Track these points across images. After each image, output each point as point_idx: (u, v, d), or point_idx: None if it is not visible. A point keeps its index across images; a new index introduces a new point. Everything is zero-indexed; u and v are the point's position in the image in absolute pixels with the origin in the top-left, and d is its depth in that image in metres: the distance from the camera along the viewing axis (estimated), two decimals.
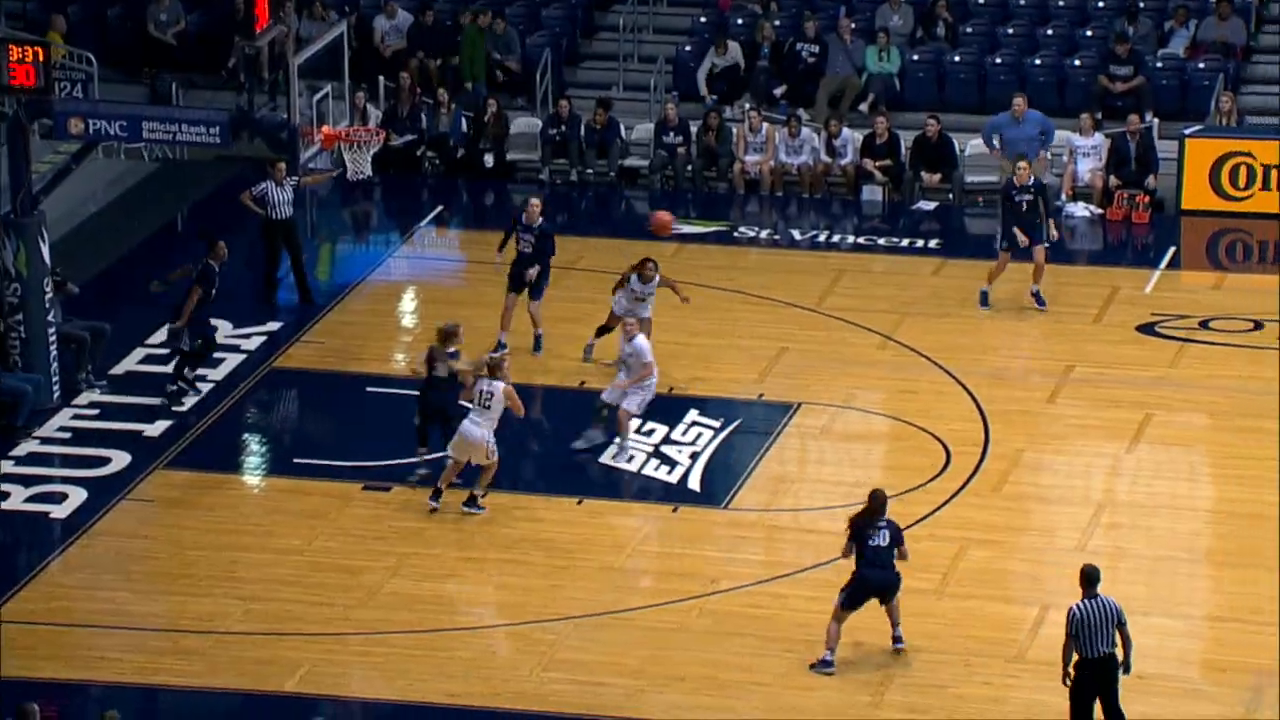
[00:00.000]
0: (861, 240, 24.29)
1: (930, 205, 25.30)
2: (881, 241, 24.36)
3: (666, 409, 19.87)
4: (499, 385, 17.85)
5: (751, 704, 15.44)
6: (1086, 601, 14.21)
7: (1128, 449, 19.03)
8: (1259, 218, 23.94)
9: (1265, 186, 24.25)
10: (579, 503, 18.41)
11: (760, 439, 19.46)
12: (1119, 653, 14.19)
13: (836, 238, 24.40)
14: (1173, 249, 23.72)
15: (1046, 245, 21.72)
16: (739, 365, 20.84)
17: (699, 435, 19.56)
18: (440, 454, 18.34)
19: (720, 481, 18.77)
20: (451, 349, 18.64)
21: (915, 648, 16.01)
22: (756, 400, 20.17)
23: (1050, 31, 26.89)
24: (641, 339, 19.22)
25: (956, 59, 26.67)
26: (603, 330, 20.60)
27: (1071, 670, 14.28)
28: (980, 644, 15.96)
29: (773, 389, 20.39)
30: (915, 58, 26.74)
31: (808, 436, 19.57)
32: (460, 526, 17.96)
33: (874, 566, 15.58)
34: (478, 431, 17.82)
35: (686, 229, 24.51)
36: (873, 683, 15.59)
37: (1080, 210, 24.78)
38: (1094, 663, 14.10)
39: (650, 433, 19.52)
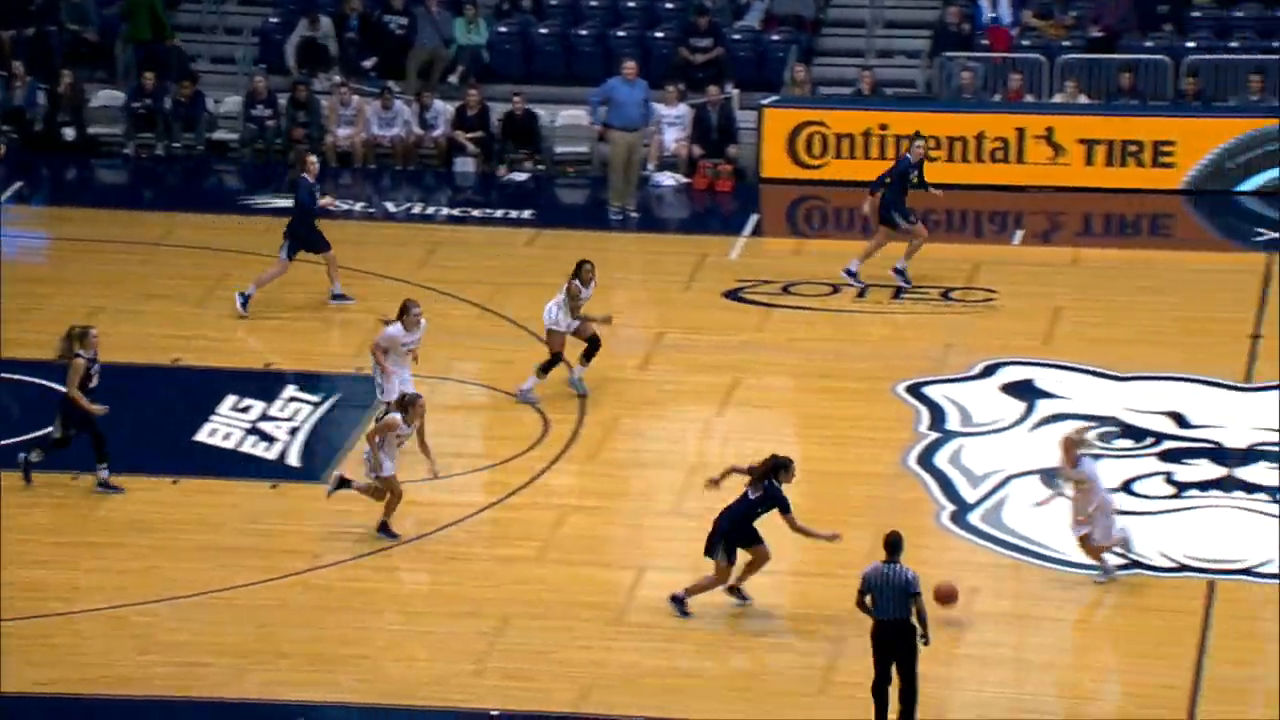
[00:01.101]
0: (455, 212, 24.42)
1: (522, 176, 25.56)
2: (475, 213, 24.53)
3: (264, 385, 19.69)
4: None
5: (355, 677, 15.44)
6: (881, 565, 14.39)
7: (718, 412, 19.57)
8: (833, 185, 24.87)
9: (839, 155, 25.18)
10: (174, 482, 18.12)
11: (360, 413, 19.43)
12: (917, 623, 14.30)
13: (431, 210, 24.47)
14: (755, 216, 24.46)
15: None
16: (337, 340, 20.77)
17: (298, 411, 19.44)
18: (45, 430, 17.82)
19: (320, 456, 18.70)
20: (87, 352, 17.74)
21: (516, 614, 16.23)
22: (355, 374, 20.13)
23: (633, 4, 27.41)
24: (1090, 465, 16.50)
25: (543, 31, 26.98)
26: (551, 364, 19.17)
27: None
28: (581, 608, 16.26)
29: (371, 363, 20.36)
30: (503, 29, 26.96)
31: None
32: (52, 510, 17.51)
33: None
34: None
35: (278, 203, 24.29)
36: (475, 651, 15.75)
37: (667, 179, 25.35)
38: (883, 625, 14.33)
39: (247, 409, 19.32)
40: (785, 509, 15.84)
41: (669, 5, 27.31)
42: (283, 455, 18.72)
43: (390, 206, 24.66)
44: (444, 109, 25.83)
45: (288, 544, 17.22)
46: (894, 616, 14.32)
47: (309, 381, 19.92)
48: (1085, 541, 16.36)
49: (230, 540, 17.30)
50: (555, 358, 19.28)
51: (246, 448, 18.83)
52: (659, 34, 26.86)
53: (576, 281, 19.16)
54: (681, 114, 25.55)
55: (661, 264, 22.95)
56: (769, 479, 15.87)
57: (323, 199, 21.38)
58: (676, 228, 24.70)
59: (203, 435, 18.84)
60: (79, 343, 17.65)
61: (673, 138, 25.50)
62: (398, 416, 16.93)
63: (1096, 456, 17.09)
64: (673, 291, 22.20)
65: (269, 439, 18.96)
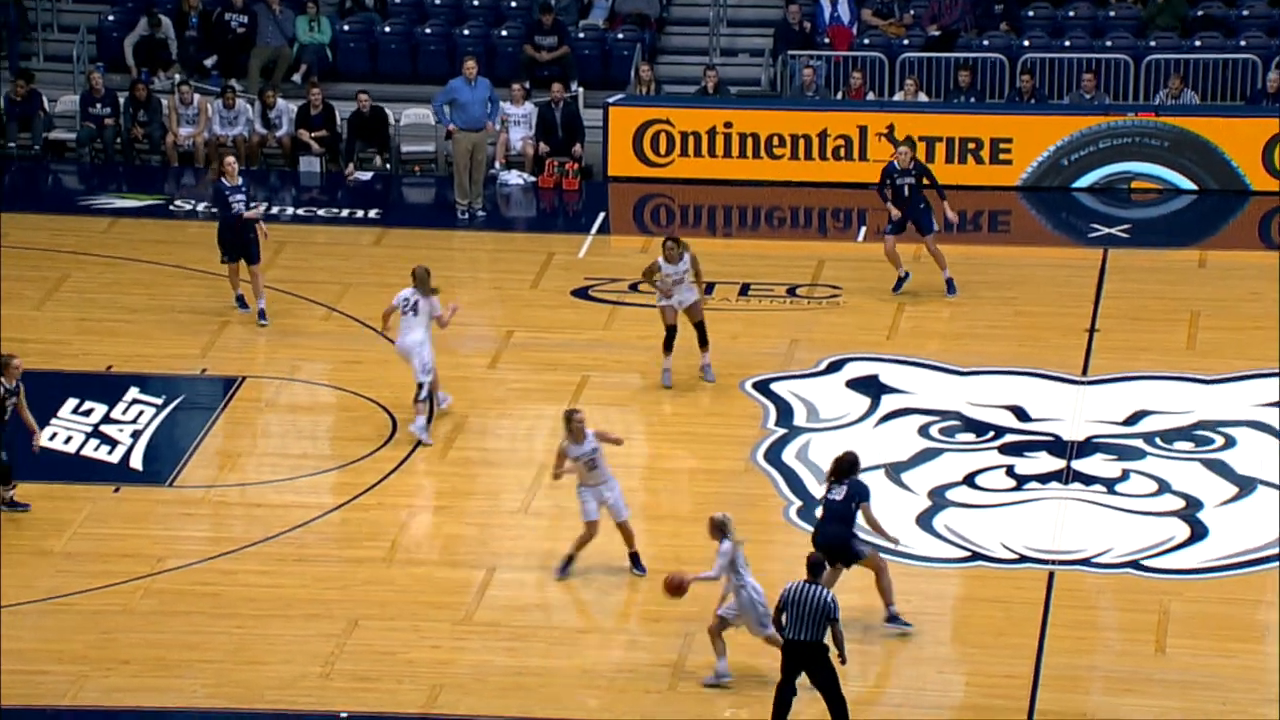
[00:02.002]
0: (301, 212, 24.23)
1: (367, 175, 25.42)
2: (321, 212, 24.36)
3: (106, 388, 19.43)
4: None
5: (200, 682, 15.28)
6: (801, 585, 14.16)
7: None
8: (679, 183, 24.97)
9: (684, 153, 25.29)
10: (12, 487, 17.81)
11: (204, 414, 19.24)
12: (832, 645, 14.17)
13: (275, 209, 24.26)
14: (602, 214, 24.50)
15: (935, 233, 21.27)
16: (181, 340, 20.53)
17: (140, 413, 19.20)
18: None
19: (164, 459, 18.48)
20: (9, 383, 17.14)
21: (365, 615, 16.15)
22: (199, 375, 19.91)
23: (477, 2, 27.35)
24: None
25: (387, 29, 26.85)
26: (670, 341, 19.24)
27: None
28: (429, 608, 16.21)
29: (216, 363, 20.18)
30: (346, 28, 26.79)
31: (253, 410, 19.45)
32: None
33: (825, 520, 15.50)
34: None
35: (120, 203, 23.97)
36: (323, 653, 15.64)
37: (514, 178, 25.32)
38: (794, 644, 14.14)
39: (89, 412, 19.04)
40: (867, 499, 15.72)
41: (513, 4, 27.28)
42: (125, 459, 18.48)
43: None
44: (287, 108, 25.62)
45: (130, 548, 17.01)
46: (806, 638, 14.09)
47: (152, 384, 19.68)
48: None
49: (71, 545, 17.05)
50: (669, 331, 19.40)
51: (88, 451, 18.56)
52: (504, 32, 26.83)
53: (661, 261, 19.15)
54: (527, 112, 25.53)
55: (509, 262, 22.92)
56: (850, 475, 15.67)
57: (250, 211, 20.74)
58: (524, 226, 24.68)
59: (43, 439, 18.53)
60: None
61: (519, 136, 25.47)
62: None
63: (939, 452, 17.24)
64: (521, 290, 22.19)
65: (111, 442, 18.71)
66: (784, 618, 14.23)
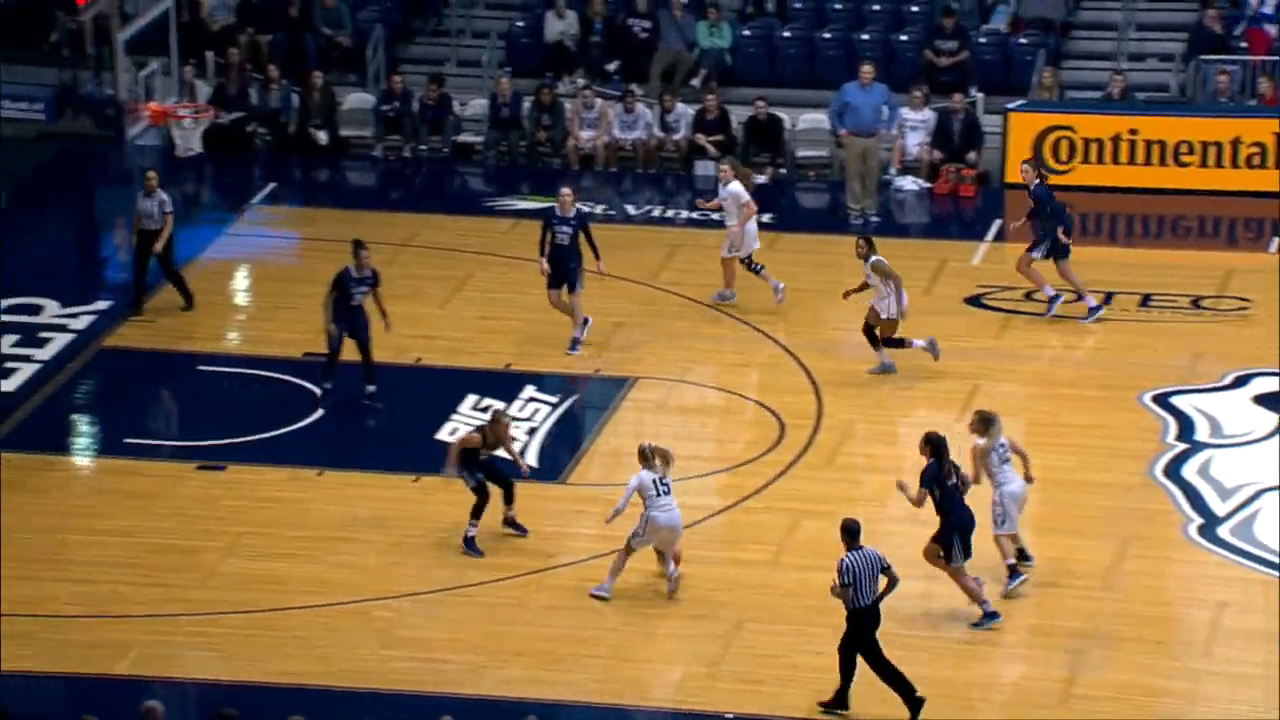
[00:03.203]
0: (695, 215, 24.46)
1: (762, 179, 25.52)
2: (716, 217, 24.53)
3: (504, 385, 19.90)
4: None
5: (589, 677, 15.53)
6: (854, 553, 14.78)
7: (957, 418, 19.33)
8: (1080, 191, 24.43)
9: (1086, 160, 24.73)
10: (415, 480, 18.38)
11: (596, 414, 19.55)
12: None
13: (670, 213, 24.53)
14: (998, 222, 24.13)
15: None
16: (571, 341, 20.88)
17: (536, 411, 19.60)
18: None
19: (557, 457, 18.83)
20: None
21: (750, 618, 16.19)
22: (593, 375, 20.24)
23: (877, 6, 27.21)
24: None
25: (787, 34, 26.90)
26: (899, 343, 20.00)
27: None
28: (813, 614, 16.16)
29: (609, 364, 20.49)
30: (746, 33, 26.94)
31: (644, 411, 19.68)
32: (294, 506, 17.88)
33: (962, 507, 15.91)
34: None
35: (521, 204, 24.54)
36: (708, 654, 15.74)
37: (909, 184, 25.11)
38: (867, 610, 14.72)
39: (487, 410, 19.52)
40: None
41: (914, 8, 27.06)
42: (521, 455, 18.86)
43: (630, 209, 24.77)
44: (685, 112, 25.88)
45: (523, 543, 17.37)
46: (870, 602, 14.71)
47: (548, 382, 20.08)
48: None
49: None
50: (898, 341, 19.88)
51: None
52: (904, 37, 26.63)
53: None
54: (925, 118, 25.30)
55: (901, 268, 22.62)
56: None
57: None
58: (917, 232, 24.46)
59: (443, 434, 19.09)
60: None
61: (915, 142, 25.26)
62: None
63: None
64: (912, 296, 21.94)
65: None
66: (848, 593, 14.62)
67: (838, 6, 27.23)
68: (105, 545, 17.18)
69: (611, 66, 26.93)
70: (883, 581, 14.81)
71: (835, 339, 20.97)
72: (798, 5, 27.29)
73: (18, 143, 24.75)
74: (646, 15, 26.84)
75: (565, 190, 20.49)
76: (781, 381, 20.01)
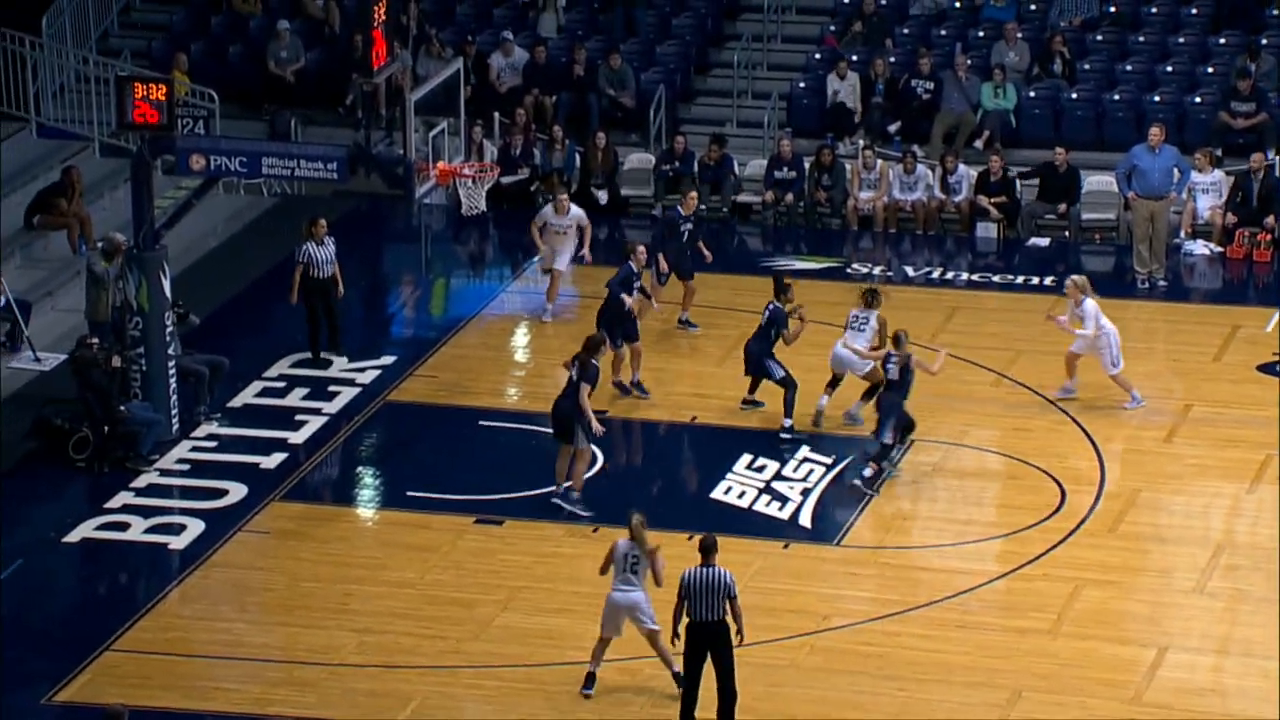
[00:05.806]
0: (975, 277, 24.17)
1: (1044, 241, 25.13)
2: (995, 278, 24.22)
3: (778, 445, 19.83)
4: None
5: None
6: (698, 570, 15.08)
7: (1248, 489, 18.78)
8: None
9: None
10: (690, 538, 18.36)
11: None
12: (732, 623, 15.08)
13: (950, 274, 24.28)
14: None
15: None
16: (852, 402, 20.73)
17: (810, 472, 19.50)
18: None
19: (832, 518, 18.70)
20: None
21: (1029, 687, 15.85)
22: (869, 438, 20.07)
23: (1170, 69, 26.67)
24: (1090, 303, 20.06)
25: (1074, 96, 26.50)
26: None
27: (682, 631, 15.18)
28: (1096, 685, 15.79)
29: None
30: (1031, 94, 26.61)
31: (921, 474, 19.46)
32: (572, 561, 17.99)
33: None
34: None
35: (799, 265, 24.49)
36: None
37: (1199, 248, 24.53)
38: (700, 626, 15.03)
39: (761, 469, 19.48)
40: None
41: (1209, 70, 26.47)
42: (795, 516, 18.79)
43: (909, 270, 24.58)
44: (967, 173, 25.64)
45: (797, 604, 17.26)
46: (710, 618, 14.91)
47: (823, 443, 19.96)
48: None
49: (741, 599, 17.40)
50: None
51: (760, 506, 18.97)
52: (1197, 99, 26.05)
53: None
54: (1215, 180, 24.69)
55: (1189, 334, 22.19)
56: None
57: (632, 299, 20.60)
58: (1207, 297, 23.86)
59: (718, 493, 19.07)
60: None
61: (1206, 205, 24.66)
62: None
63: None
64: (1202, 363, 21.44)
65: (782, 499, 19.06)
66: (685, 605, 14.92)
67: (1128, 69, 26.76)
68: (388, 596, 17.46)
69: (893, 127, 26.81)
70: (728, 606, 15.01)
71: (1118, 404, 20.51)
72: (1086, 68, 26.88)
73: (313, 200, 25.38)
74: (929, 76, 26.68)
75: (692, 193, 22.64)
76: (1062, 446, 19.62)
